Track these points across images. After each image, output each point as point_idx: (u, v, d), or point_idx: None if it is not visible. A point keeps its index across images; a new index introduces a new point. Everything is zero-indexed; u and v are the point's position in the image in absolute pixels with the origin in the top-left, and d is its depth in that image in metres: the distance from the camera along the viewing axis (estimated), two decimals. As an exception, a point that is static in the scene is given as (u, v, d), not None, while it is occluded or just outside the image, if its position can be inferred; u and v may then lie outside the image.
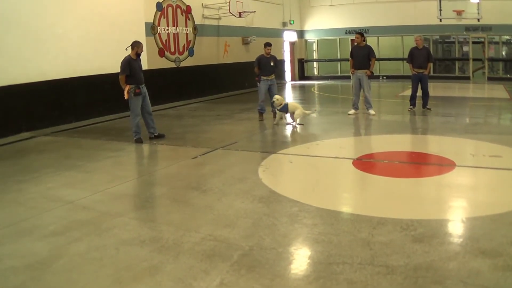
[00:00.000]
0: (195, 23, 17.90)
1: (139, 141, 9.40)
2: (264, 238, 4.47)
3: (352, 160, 7.51)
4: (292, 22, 25.23)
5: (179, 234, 4.64)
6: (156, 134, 9.74)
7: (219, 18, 19.14)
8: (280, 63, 21.34)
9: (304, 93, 20.56)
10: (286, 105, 11.06)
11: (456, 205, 5.48)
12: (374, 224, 4.70)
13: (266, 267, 3.85)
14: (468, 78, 23.68)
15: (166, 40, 16.46)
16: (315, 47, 27.18)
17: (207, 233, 4.64)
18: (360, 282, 3.54)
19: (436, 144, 9.05)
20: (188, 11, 17.48)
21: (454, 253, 3.98)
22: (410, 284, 3.48)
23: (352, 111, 12.53)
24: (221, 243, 4.36)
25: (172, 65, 16.77)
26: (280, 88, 18.74)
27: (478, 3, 21.39)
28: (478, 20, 21.55)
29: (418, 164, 7.60)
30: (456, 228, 4.76)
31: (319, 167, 7.45)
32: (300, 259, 4.14)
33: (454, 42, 24.48)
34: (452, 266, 3.75)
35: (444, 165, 7.06)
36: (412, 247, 4.11)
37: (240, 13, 18.63)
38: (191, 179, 6.81)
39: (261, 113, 12.02)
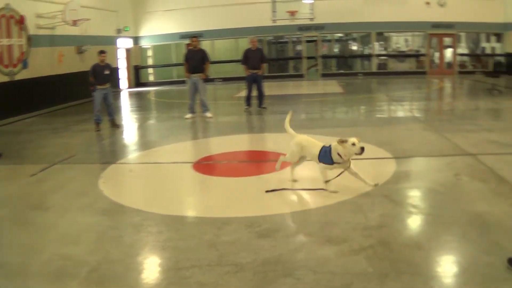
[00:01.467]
0: (29, 33, 16.67)
1: None
2: (111, 251, 4.29)
3: (192, 164, 7.46)
4: (127, 29, 24.58)
5: (25, 257, 4.28)
6: None
7: (54, 28, 18.01)
8: (115, 71, 20.71)
9: (140, 100, 20.13)
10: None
11: (297, 198, 5.70)
12: (219, 225, 4.71)
13: (116, 280, 3.73)
14: (302, 76, 25.10)
15: (-1, 53, 15.07)
16: (150, 53, 26.82)
17: (53, 252, 4.35)
18: (210, 283, 3.52)
19: (273, 141, 9.37)
20: (21, 21, 16.17)
21: (300, 244, 4.12)
22: (260, 279, 3.52)
23: (189, 115, 12.47)
24: (68, 261, 4.11)
25: (6, 79, 15.43)
26: (116, 97, 18.26)
27: (311, 3, 22.78)
28: (311, 20, 22.97)
29: (258, 162, 7.80)
30: (300, 220, 4.92)
31: (159, 173, 7.30)
32: (150, 268, 4.04)
33: (288, 42, 25.79)
34: (300, 257, 3.86)
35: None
36: (259, 243, 4.17)
37: (74, 21, 17.72)
38: (32, 198, 6.25)
39: (97, 123, 11.44)
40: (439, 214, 4.86)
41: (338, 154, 5.41)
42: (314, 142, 5.90)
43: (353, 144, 5.28)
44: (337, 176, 5.50)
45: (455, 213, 4.83)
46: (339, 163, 5.48)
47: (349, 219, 4.69)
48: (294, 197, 5.73)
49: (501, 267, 3.61)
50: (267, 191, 5.67)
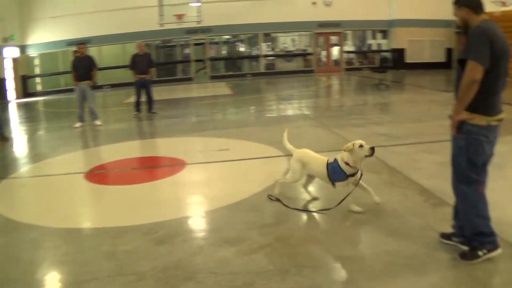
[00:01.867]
0: None
1: None
2: (9, 270, 4.06)
3: (83, 174, 7.19)
4: (13, 38, 23.21)
5: None
6: None
7: None
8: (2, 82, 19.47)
9: (29, 111, 18.99)
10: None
11: (193, 202, 5.72)
12: (116, 234, 4.60)
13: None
14: (191, 79, 25.04)
15: None
16: (37, 61, 25.54)
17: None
18: (111, 294, 3.44)
19: (165, 146, 9.32)
20: None
21: (198, 248, 4.14)
22: (162, 285, 3.51)
23: (78, 124, 12.00)
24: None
25: None
26: (3, 108, 17.44)
27: (198, 6, 22.81)
28: (199, 23, 23.04)
29: (151, 168, 7.70)
30: (197, 224, 4.97)
31: (52, 186, 6.97)
32: (50, 284, 3.90)
33: (176, 46, 25.58)
34: (199, 260, 3.89)
35: (176, 165, 7.28)
36: (157, 250, 4.14)
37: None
38: None
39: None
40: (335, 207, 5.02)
41: (347, 163, 4.79)
42: (316, 157, 5.28)
43: (361, 146, 4.68)
44: (345, 198, 4.81)
45: (348, 206, 4.94)
46: (352, 174, 4.83)
47: (246, 218, 4.77)
48: (189, 202, 5.74)
49: (400, 253, 3.84)
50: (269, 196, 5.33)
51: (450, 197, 4.18)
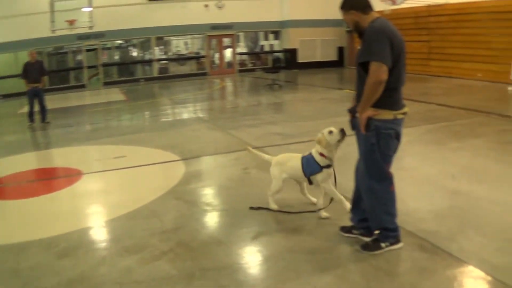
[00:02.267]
0: None
1: None
2: None
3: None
4: None
5: None
6: None
7: None
8: None
9: None
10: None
11: (92, 212, 5.61)
12: (17, 250, 4.43)
13: None
14: (84, 86, 24.18)
15: None
16: None
17: None
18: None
19: (61, 156, 9.01)
20: None
21: (101, 258, 4.09)
22: None
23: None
24: None
25: None
26: None
27: (90, 11, 22.01)
28: (91, 28, 22.22)
29: (47, 180, 7.43)
30: (97, 234, 4.88)
31: None
32: None
33: (67, 52, 24.62)
34: (103, 270, 3.86)
35: (72, 175, 7.09)
36: (60, 264, 4.05)
37: None
38: None
39: None
40: (233, 208, 5.18)
41: (321, 154, 4.56)
42: (291, 155, 5.04)
43: (330, 132, 4.44)
44: (329, 203, 4.68)
45: (248, 206, 5.12)
46: (328, 165, 4.58)
47: (146, 225, 4.77)
48: (88, 212, 5.62)
49: (302, 249, 4.00)
50: (251, 208, 5.08)
51: (348, 191, 4.43)
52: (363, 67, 3.66)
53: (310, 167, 4.65)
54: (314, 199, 5.02)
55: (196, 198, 5.64)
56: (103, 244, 4.45)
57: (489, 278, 3.47)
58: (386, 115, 3.70)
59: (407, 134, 8.28)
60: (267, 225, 4.63)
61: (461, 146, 7.58)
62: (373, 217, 3.95)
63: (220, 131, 9.78)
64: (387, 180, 3.85)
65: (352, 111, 3.95)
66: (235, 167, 6.90)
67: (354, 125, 3.95)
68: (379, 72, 3.52)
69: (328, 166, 4.58)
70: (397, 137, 3.82)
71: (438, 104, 12.13)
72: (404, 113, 3.81)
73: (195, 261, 3.90)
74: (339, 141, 4.43)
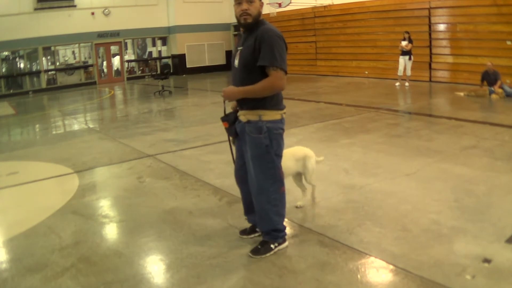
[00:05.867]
0: None
1: None
2: None
3: None
4: None
5: None
6: None
7: None
8: None
9: None
10: None
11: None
12: None
13: None
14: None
15: None
16: None
17: None
18: None
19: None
20: None
21: (2, 281, 3.86)
22: None
23: None
24: None
25: None
26: None
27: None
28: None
29: None
30: None
31: None
32: None
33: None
34: None
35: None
36: None
37: None
38: None
39: None
40: (130, 219, 5.10)
41: None
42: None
43: None
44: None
45: (146, 215, 5.12)
46: None
47: (44, 243, 4.57)
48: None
49: (203, 254, 4.01)
50: None
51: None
52: (253, 68, 3.60)
53: None
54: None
55: (92, 211, 5.48)
56: (4, 265, 4.19)
57: (391, 267, 3.63)
58: (275, 115, 3.71)
59: (297, 134, 8.76)
60: (165, 233, 4.61)
61: (352, 142, 7.97)
62: (264, 219, 3.94)
63: (112, 141, 9.57)
64: (279, 181, 3.85)
65: (230, 118, 3.95)
66: (130, 176, 6.81)
67: (235, 132, 3.94)
68: (283, 80, 3.54)
69: None
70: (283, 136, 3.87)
71: (327, 102, 12.68)
72: (285, 112, 3.84)
73: (98, 276, 3.79)
74: None
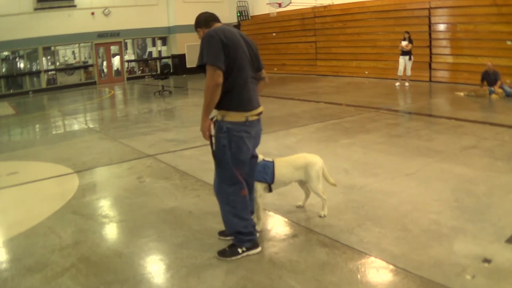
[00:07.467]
0: None
1: None
2: None
3: None
4: None
5: None
6: None
7: None
8: None
9: None
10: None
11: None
12: None
13: None
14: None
15: None
16: None
17: None
18: None
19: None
20: None
21: (3, 281, 3.86)
22: None
23: None
24: None
25: None
26: None
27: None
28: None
29: None
30: None
31: None
32: None
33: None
34: None
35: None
36: None
37: None
38: None
39: None
40: (130, 219, 5.09)
41: None
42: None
43: None
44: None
45: (146, 215, 5.11)
46: None
47: (44, 243, 4.57)
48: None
49: (202, 256, 4.00)
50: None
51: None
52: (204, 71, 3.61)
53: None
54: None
55: (92, 211, 5.47)
56: (4, 265, 4.20)
57: (391, 267, 3.63)
58: (238, 117, 3.68)
59: (296, 134, 8.75)
60: (165, 233, 4.60)
61: (352, 142, 7.96)
62: (226, 221, 3.95)
63: (112, 141, 9.57)
64: (237, 184, 3.80)
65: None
66: (130, 176, 6.80)
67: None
68: (214, 75, 3.49)
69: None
70: (252, 139, 3.82)
71: (327, 102, 12.67)
72: (258, 114, 3.80)
73: (98, 276, 3.79)
74: None
